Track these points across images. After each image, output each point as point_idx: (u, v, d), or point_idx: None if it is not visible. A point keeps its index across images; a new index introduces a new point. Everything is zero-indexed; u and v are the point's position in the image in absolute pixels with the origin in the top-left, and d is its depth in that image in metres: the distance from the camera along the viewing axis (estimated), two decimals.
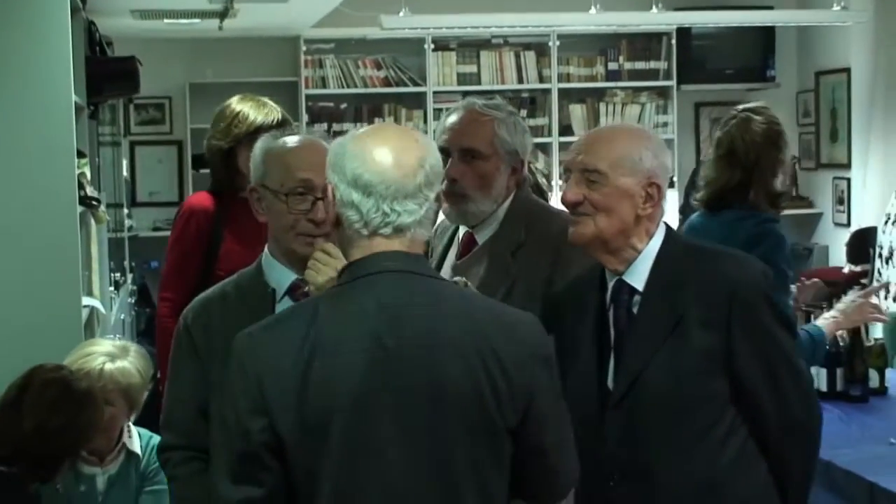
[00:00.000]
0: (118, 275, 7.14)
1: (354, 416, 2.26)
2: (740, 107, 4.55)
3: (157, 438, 3.85)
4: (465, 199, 3.47)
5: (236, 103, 4.37)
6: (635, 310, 2.88)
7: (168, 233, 10.24)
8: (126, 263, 8.55)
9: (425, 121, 10.23)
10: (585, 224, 2.88)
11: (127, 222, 9.24)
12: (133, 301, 8.57)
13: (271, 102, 4.43)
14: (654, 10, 9.06)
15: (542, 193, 4.72)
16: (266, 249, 3.03)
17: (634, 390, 2.82)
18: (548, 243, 3.35)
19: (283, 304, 2.91)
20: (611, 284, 2.93)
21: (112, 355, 3.81)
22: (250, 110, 4.34)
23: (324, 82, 10.20)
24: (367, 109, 10.26)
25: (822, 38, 10.59)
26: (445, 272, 3.55)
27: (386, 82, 10.26)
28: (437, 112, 10.20)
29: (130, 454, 3.84)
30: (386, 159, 2.36)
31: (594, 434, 2.82)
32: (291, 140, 3.01)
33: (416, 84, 10.27)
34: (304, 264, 2.85)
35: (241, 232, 4.31)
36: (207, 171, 9.95)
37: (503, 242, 3.52)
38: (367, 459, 2.27)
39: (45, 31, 4.32)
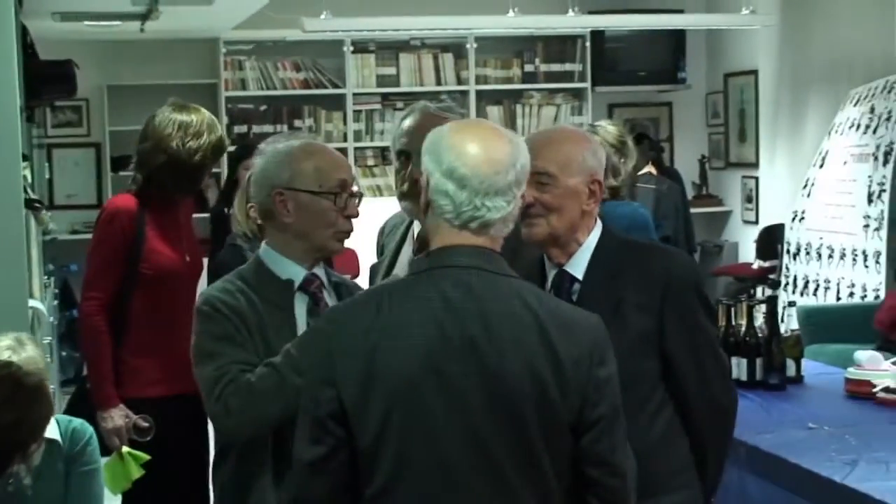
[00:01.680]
0: (46, 277, 7.17)
1: (412, 399, 2.40)
2: (597, 122, 5.17)
3: (77, 422, 3.82)
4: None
5: (197, 117, 4.46)
6: (574, 297, 3.06)
7: (87, 235, 10.28)
8: (46, 267, 8.53)
9: (345, 122, 10.34)
10: (539, 224, 3.04)
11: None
12: (56, 304, 8.57)
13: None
14: (570, 13, 9.26)
15: None
16: (265, 246, 3.18)
17: None
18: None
19: (298, 298, 3.13)
20: (552, 274, 3.11)
21: (13, 348, 3.79)
22: (216, 130, 4.48)
23: (243, 84, 10.26)
24: (286, 111, 10.34)
25: (731, 41, 10.86)
26: (402, 267, 3.67)
27: (305, 84, 10.35)
28: (357, 114, 10.33)
29: (50, 442, 3.72)
30: (482, 155, 2.48)
31: None
32: (308, 143, 3.27)
33: (335, 86, 10.36)
34: (316, 261, 3.15)
35: (164, 231, 4.42)
36: (127, 172, 10.00)
37: None
38: (422, 441, 2.40)
39: None
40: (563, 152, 3.06)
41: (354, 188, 3.22)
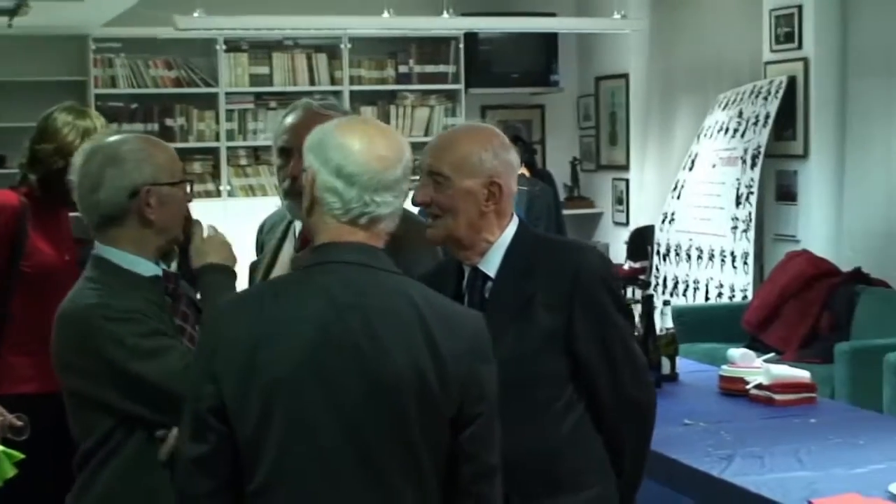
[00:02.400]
0: None
1: (292, 395, 2.39)
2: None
3: None
4: (298, 195, 3.56)
5: (81, 120, 4.41)
6: (487, 295, 3.06)
7: None
8: None
9: (217, 122, 10.24)
10: (437, 226, 3.06)
11: None
12: None
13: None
14: (445, 14, 9.31)
15: None
16: (111, 249, 3.11)
17: None
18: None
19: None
20: (467, 272, 3.11)
21: None
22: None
23: (113, 82, 10.10)
24: (157, 110, 10.21)
25: (602, 44, 11.00)
26: (282, 264, 3.66)
27: (177, 83, 10.23)
28: (230, 113, 10.24)
29: None
30: (370, 151, 2.49)
31: None
32: (144, 136, 3.28)
33: (207, 85, 10.26)
34: (162, 254, 3.11)
35: (46, 230, 4.37)
36: (11, 170, 9.76)
37: None
38: (302, 437, 2.40)
39: None
40: (458, 153, 3.04)
41: None
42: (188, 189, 3.17)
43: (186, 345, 3.03)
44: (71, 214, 4.87)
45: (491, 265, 3.09)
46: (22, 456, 4.15)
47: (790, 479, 3.67)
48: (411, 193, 2.84)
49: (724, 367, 4.99)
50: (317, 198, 2.50)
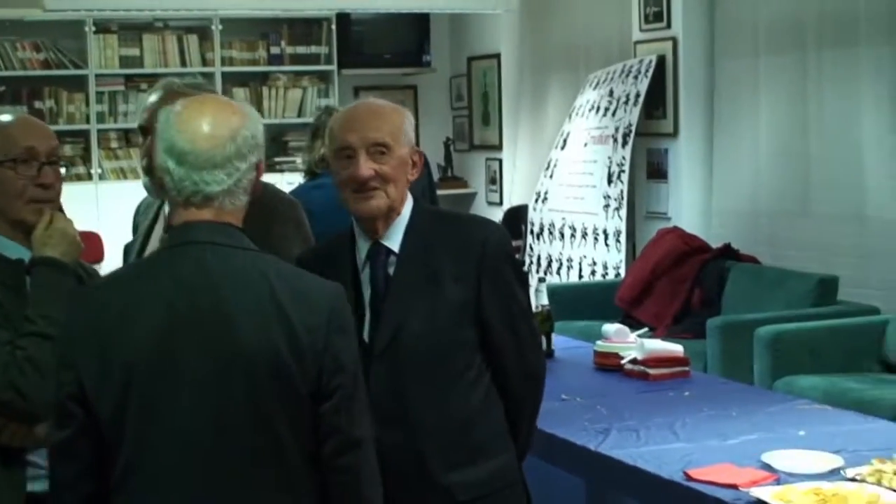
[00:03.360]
0: None
1: (146, 378, 2.39)
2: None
3: None
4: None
5: None
6: (391, 270, 3.09)
7: None
8: None
9: (87, 104, 10.10)
10: (379, 196, 3.06)
11: None
12: None
13: None
14: None
15: None
16: None
17: (395, 342, 3.03)
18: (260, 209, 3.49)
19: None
20: (366, 247, 3.12)
21: None
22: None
23: None
24: (26, 93, 10.03)
25: (474, 25, 11.06)
26: (153, 246, 3.65)
27: (46, 65, 10.06)
28: (100, 95, 10.10)
29: None
30: (200, 130, 2.47)
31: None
32: (4, 116, 3.15)
33: (77, 67, 10.11)
34: (29, 234, 3.03)
35: None
36: None
37: None
38: (158, 420, 2.40)
39: None
40: (393, 122, 3.09)
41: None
42: (35, 170, 3.05)
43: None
44: None
45: (393, 240, 3.11)
46: None
47: (666, 451, 3.75)
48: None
49: (598, 342, 5.07)
50: (159, 178, 2.52)
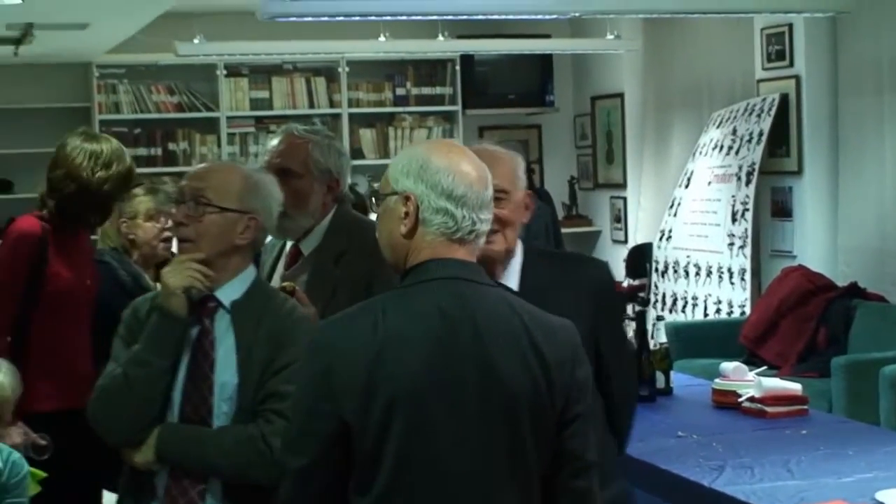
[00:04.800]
0: None
1: (413, 409, 2.47)
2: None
3: (16, 455, 3.96)
4: (282, 216, 3.59)
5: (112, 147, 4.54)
6: None
7: None
8: None
9: (219, 145, 10.38)
10: (497, 241, 3.13)
11: None
12: None
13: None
14: (440, 37, 9.42)
15: (365, 209, 5.04)
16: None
17: None
18: (366, 252, 3.60)
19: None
20: None
21: None
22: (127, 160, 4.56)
23: (117, 107, 10.26)
24: (160, 134, 10.35)
25: (597, 65, 11.11)
26: (275, 283, 3.79)
27: (179, 107, 10.37)
28: (231, 137, 10.38)
29: None
30: (472, 173, 2.61)
31: None
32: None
33: (208, 109, 10.40)
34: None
35: (66, 255, 4.47)
36: (1, 196, 9.86)
37: (326, 253, 3.86)
38: (422, 448, 2.48)
39: None
40: (510, 168, 3.18)
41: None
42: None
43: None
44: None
45: (511, 281, 3.19)
46: (45, 475, 4.26)
47: (779, 488, 3.76)
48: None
49: (716, 380, 5.08)
50: (423, 219, 2.58)
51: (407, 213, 2.59)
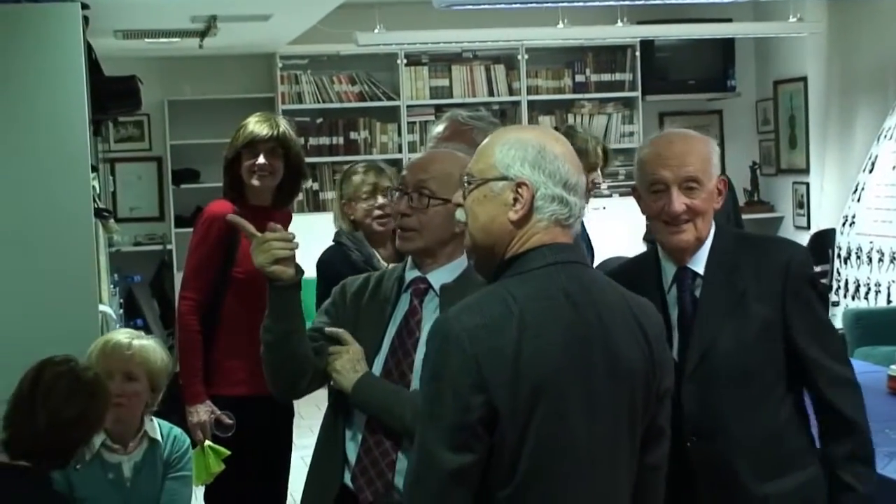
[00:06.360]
0: (111, 287, 7.38)
1: (554, 391, 2.51)
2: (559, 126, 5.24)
3: (177, 430, 4.11)
4: None
5: (249, 119, 4.64)
6: (697, 292, 3.16)
7: (150, 247, 10.47)
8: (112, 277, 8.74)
9: (399, 133, 10.53)
10: (688, 230, 3.13)
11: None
12: (122, 313, 8.79)
13: (279, 119, 4.68)
14: (619, 23, 9.40)
15: None
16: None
17: (705, 361, 3.12)
18: None
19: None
20: (672, 270, 3.20)
21: (137, 336, 4.04)
22: (253, 125, 4.60)
23: (299, 98, 10.48)
24: (342, 124, 10.54)
25: (780, 48, 10.95)
26: None
27: (360, 97, 10.55)
28: (411, 125, 10.51)
29: (152, 441, 4.00)
30: (577, 161, 2.68)
31: (672, 403, 3.07)
32: None
33: (389, 98, 10.55)
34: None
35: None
36: (188, 185, 10.17)
37: None
38: (560, 436, 2.52)
39: (63, 52, 4.58)
40: (703, 156, 3.15)
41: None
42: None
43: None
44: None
45: (698, 263, 3.18)
46: (228, 452, 4.41)
47: None
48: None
49: (892, 367, 5.00)
50: (537, 207, 2.60)
51: (516, 200, 2.60)
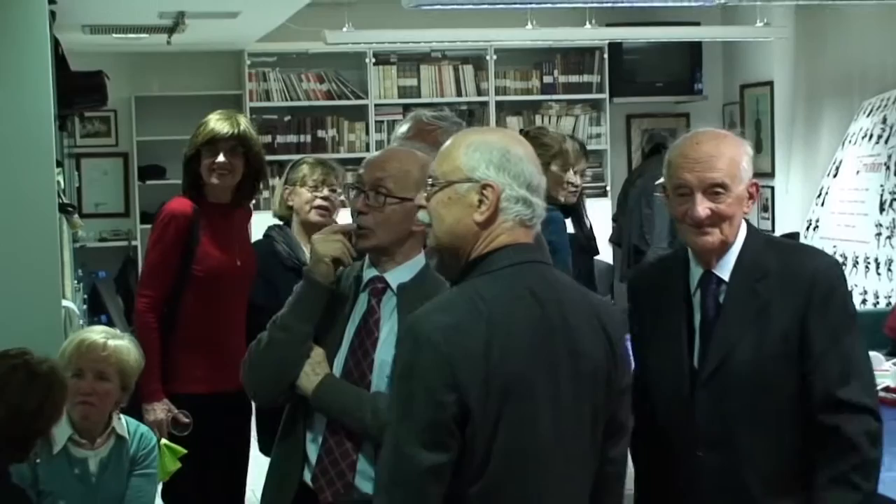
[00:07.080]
0: (75, 282, 7.35)
1: (522, 388, 2.55)
2: (530, 128, 5.30)
3: (143, 427, 4.11)
4: None
5: (210, 116, 4.63)
6: (721, 298, 3.11)
7: (115, 243, 10.41)
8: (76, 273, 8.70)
9: (367, 132, 10.52)
10: (714, 234, 3.08)
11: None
12: (85, 309, 8.75)
13: (240, 117, 4.67)
14: (588, 25, 9.41)
15: None
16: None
17: (723, 369, 3.06)
18: None
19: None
20: (698, 273, 3.16)
21: (112, 335, 4.04)
22: (213, 122, 4.60)
23: (268, 95, 10.46)
24: (310, 122, 10.53)
25: (747, 52, 11.00)
26: None
27: (328, 95, 10.53)
28: (379, 124, 10.50)
29: (120, 438, 4.00)
30: (537, 163, 2.72)
31: (684, 409, 3.08)
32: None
33: (357, 97, 10.54)
34: None
35: (217, 235, 4.59)
36: (154, 182, 10.12)
37: None
38: (528, 433, 2.57)
39: (29, 45, 4.53)
40: (732, 161, 3.11)
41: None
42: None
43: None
44: None
45: (725, 270, 3.13)
46: (184, 451, 4.40)
47: None
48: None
49: None
50: (502, 208, 2.64)
51: (481, 201, 2.62)
